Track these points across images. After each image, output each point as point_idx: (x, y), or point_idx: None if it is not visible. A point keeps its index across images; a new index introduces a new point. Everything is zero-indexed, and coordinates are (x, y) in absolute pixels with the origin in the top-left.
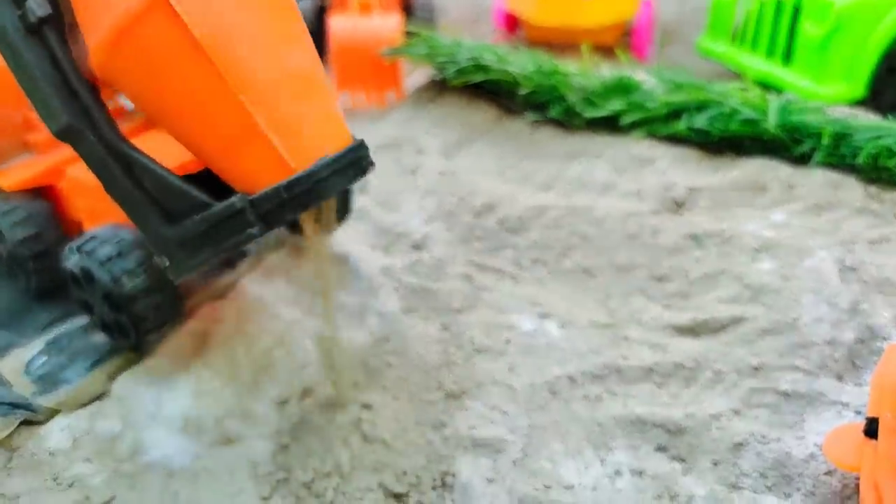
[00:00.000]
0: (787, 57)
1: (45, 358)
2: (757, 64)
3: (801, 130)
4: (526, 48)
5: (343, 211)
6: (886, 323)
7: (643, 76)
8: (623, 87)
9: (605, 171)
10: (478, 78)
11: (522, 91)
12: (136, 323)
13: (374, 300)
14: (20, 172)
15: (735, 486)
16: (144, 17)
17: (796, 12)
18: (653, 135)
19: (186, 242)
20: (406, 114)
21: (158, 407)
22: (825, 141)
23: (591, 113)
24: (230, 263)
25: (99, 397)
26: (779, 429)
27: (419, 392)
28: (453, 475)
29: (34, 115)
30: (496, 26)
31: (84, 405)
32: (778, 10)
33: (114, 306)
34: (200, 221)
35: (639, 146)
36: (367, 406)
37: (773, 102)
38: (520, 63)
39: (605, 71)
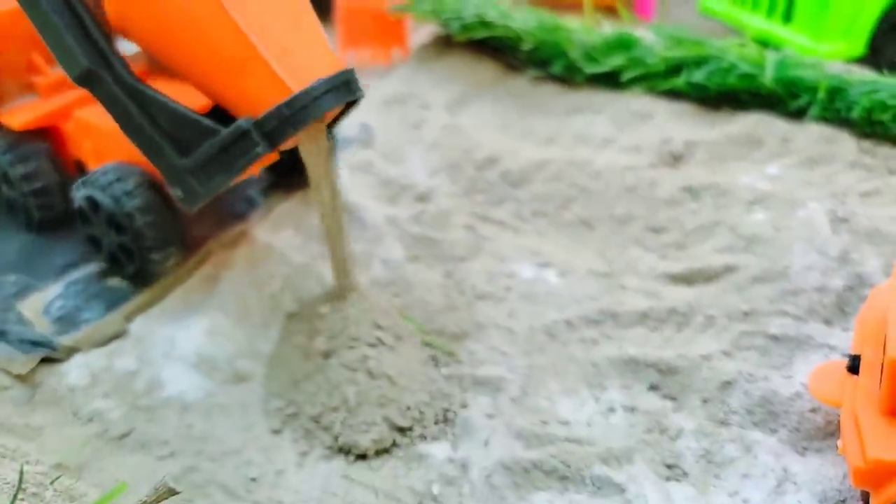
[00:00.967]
0: (788, 15)
1: (63, 300)
2: (758, 22)
3: (797, 85)
4: (529, 5)
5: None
6: (875, 271)
7: (644, 33)
8: (624, 44)
9: (605, 126)
10: (481, 34)
11: (525, 47)
12: (136, 241)
13: (379, 248)
14: (27, 113)
15: (723, 422)
16: None
17: None
18: (652, 90)
19: (199, 170)
20: (411, 70)
21: (173, 346)
22: (821, 95)
23: (591, 69)
24: (241, 215)
25: (116, 337)
26: (767, 369)
27: (423, 333)
28: (455, 411)
29: (38, 59)
30: None
31: (101, 344)
32: None
33: (117, 228)
34: (210, 147)
35: (638, 102)
36: (372, 345)
37: (771, 57)
38: (522, 20)
39: (607, 28)
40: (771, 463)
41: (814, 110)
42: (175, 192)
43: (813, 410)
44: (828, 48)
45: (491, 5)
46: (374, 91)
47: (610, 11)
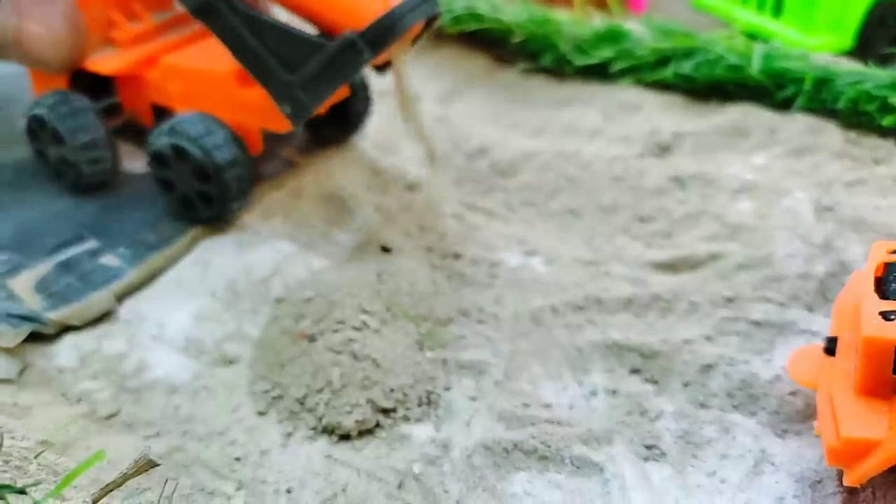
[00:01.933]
0: (777, 9)
1: (55, 278)
2: (748, 16)
3: (784, 76)
4: None
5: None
6: (858, 258)
7: (633, 26)
8: (613, 36)
9: (594, 117)
10: (472, 26)
11: (515, 39)
12: (222, 191)
13: (370, 237)
14: (114, 61)
15: (703, 405)
16: None
17: None
18: (641, 82)
19: (308, 83)
20: None
21: (162, 329)
22: (807, 86)
23: (581, 61)
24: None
25: (105, 316)
26: (748, 354)
27: (409, 317)
28: (438, 393)
29: (117, 15)
30: None
31: (91, 324)
32: None
33: (203, 178)
34: (319, 60)
35: (627, 93)
36: (357, 328)
37: (758, 49)
38: (513, 12)
39: (597, 21)
40: (749, 444)
41: (800, 101)
42: (284, 109)
43: (792, 394)
44: (817, 41)
45: None
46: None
47: (601, 4)
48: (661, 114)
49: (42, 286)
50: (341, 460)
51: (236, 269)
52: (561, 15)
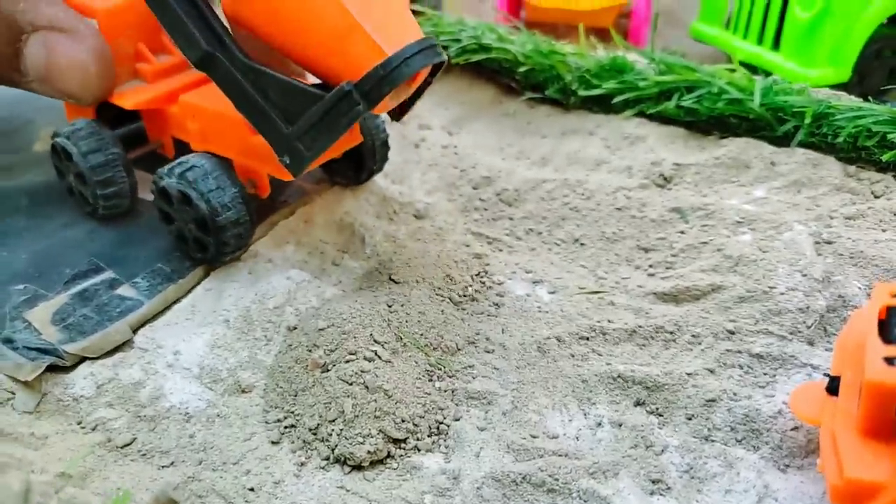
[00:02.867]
0: (777, 42)
1: (71, 309)
2: (748, 48)
3: (784, 110)
4: (526, 30)
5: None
6: (858, 292)
7: (636, 58)
8: (617, 68)
9: (597, 147)
10: (479, 57)
11: (521, 70)
12: (218, 246)
13: (380, 265)
14: (137, 95)
15: (707, 439)
16: None
17: None
18: (644, 114)
19: (305, 135)
20: None
21: (177, 357)
22: (807, 121)
23: (585, 92)
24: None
25: (121, 347)
26: (750, 388)
27: (419, 347)
28: (448, 424)
29: (144, 49)
30: (499, 8)
31: (108, 353)
32: None
33: (203, 228)
34: (315, 111)
35: (630, 124)
36: (369, 359)
37: (759, 83)
38: (519, 44)
39: (601, 52)
40: (752, 479)
41: (800, 135)
42: (283, 160)
43: (794, 429)
44: (815, 74)
45: (488, 28)
46: None
47: (604, 37)
48: (663, 145)
49: (59, 318)
50: (353, 491)
51: (249, 297)
52: (566, 47)
